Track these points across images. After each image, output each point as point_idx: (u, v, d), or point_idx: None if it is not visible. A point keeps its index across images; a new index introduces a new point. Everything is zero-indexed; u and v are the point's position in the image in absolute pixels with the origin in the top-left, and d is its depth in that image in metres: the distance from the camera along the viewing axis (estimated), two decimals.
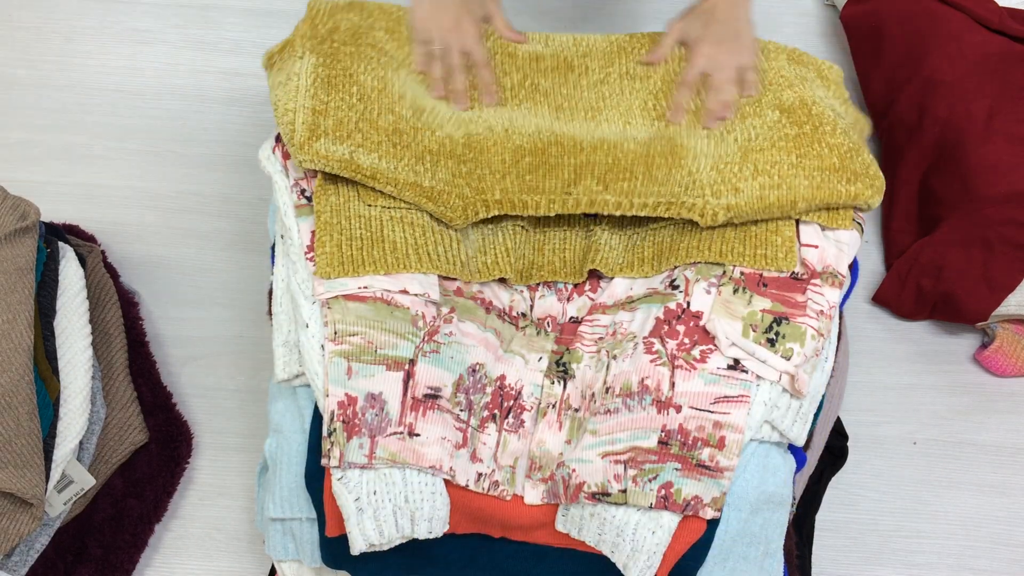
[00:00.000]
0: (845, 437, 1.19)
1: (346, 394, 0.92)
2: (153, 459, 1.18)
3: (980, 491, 1.22)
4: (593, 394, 0.96)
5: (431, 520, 0.91)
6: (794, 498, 1.06)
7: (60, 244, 1.17)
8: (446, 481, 0.93)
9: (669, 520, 0.90)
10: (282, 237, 1.01)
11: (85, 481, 1.09)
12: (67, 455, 1.07)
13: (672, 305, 0.97)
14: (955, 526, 1.21)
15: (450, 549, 0.94)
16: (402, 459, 0.91)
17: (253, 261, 1.33)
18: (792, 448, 0.99)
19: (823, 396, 1.01)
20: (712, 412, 0.92)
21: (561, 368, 0.99)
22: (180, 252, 1.34)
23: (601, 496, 0.90)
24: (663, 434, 0.91)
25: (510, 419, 0.97)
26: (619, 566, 0.90)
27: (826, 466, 1.17)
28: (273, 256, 1.03)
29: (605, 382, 0.96)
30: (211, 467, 1.22)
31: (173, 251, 1.34)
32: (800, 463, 1.00)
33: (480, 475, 0.94)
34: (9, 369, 1.02)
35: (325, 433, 0.91)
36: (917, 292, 1.27)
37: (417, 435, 0.92)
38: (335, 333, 0.94)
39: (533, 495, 0.94)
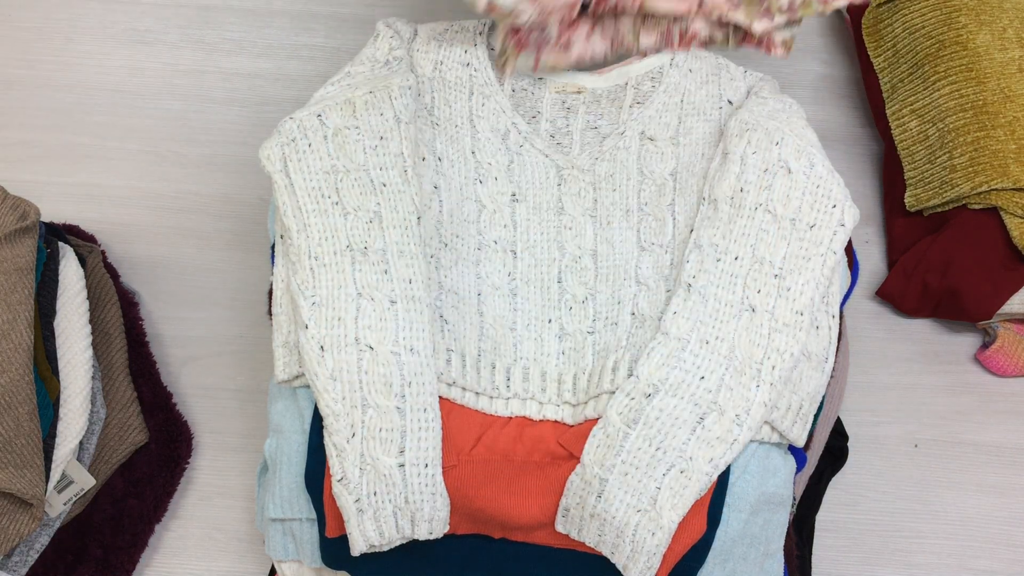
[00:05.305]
0: (845, 437, 1.19)
1: None
2: (153, 459, 1.18)
3: (981, 491, 1.22)
4: None
5: (431, 521, 0.91)
6: (794, 499, 1.05)
7: (60, 244, 1.17)
8: (446, 474, 0.92)
9: (669, 522, 0.90)
10: (282, 237, 1.01)
11: (85, 481, 1.09)
12: (67, 455, 1.07)
13: None
14: (956, 526, 1.20)
15: (450, 550, 0.94)
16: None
17: (253, 261, 1.33)
18: (792, 449, 0.99)
19: (823, 396, 1.01)
20: None
21: None
22: (180, 252, 1.34)
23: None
24: None
25: None
26: (619, 567, 0.90)
27: (826, 466, 1.16)
28: (273, 256, 1.02)
29: None
30: (211, 467, 1.22)
31: (173, 251, 1.34)
32: (800, 463, 1.00)
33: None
34: (9, 369, 1.02)
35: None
36: (922, 288, 1.26)
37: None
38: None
39: (647, 41, 1.02)
